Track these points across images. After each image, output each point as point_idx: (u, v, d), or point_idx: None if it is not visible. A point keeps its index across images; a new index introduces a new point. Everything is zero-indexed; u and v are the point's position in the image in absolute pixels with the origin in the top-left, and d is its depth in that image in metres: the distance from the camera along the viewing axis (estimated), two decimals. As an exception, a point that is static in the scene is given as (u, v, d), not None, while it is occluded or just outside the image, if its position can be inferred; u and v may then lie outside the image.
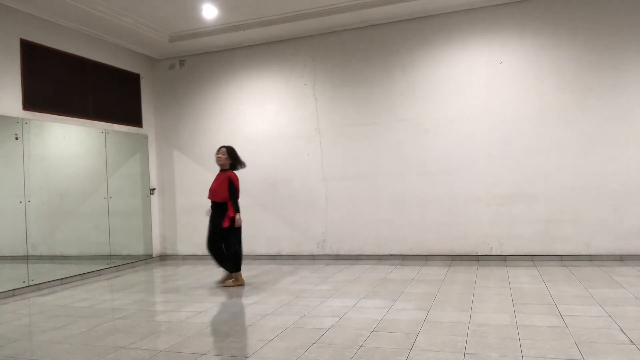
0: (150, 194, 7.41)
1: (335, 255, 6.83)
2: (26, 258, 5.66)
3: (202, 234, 7.54)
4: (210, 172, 7.55)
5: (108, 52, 6.95)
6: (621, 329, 3.22)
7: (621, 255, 5.72)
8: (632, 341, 2.99)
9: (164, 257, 7.77)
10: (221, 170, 5.50)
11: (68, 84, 6.31)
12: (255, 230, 7.26)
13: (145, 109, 7.70)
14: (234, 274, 5.38)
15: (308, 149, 6.99)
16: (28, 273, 5.63)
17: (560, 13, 5.94)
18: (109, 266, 6.74)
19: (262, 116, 7.26)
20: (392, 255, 6.57)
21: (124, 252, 7.06)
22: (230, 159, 5.45)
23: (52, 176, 6.12)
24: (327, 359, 2.94)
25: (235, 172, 5.45)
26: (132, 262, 7.10)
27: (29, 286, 5.59)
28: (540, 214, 5.98)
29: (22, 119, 5.65)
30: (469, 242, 6.25)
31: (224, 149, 5.48)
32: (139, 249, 7.35)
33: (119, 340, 3.53)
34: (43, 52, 5.96)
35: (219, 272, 6.29)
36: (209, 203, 7.53)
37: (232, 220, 5.26)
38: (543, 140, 5.97)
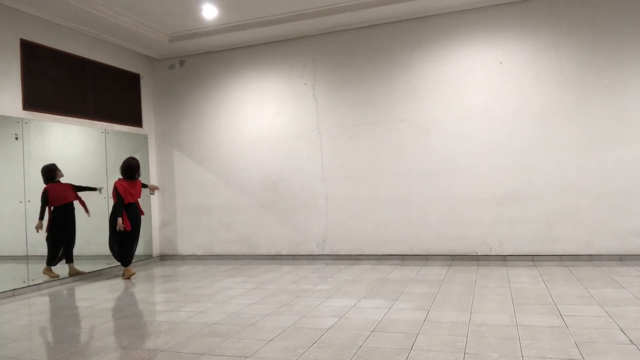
0: (150, 194, 7.40)
1: (335, 255, 6.83)
2: (26, 258, 5.66)
3: (202, 234, 7.60)
4: (211, 172, 7.57)
5: (108, 52, 6.95)
6: (621, 329, 3.22)
7: (621, 255, 5.71)
8: (632, 341, 2.99)
9: (164, 257, 7.78)
10: (136, 179, 6.35)
11: (68, 84, 6.31)
12: (255, 230, 7.26)
13: (145, 109, 7.70)
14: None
15: (308, 149, 6.99)
16: (28, 273, 5.63)
17: (560, 13, 5.94)
18: (109, 266, 6.74)
19: (262, 116, 7.26)
20: (392, 255, 6.56)
21: (124, 252, 7.04)
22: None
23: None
24: (327, 359, 2.94)
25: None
26: (132, 262, 7.08)
27: (29, 286, 5.59)
28: (540, 214, 5.98)
29: (22, 119, 5.64)
30: (469, 242, 6.25)
31: None
32: (139, 249, 7.32)
33: (119, 340, 3.53)
34: (43, 52, 5.96)
35: (220, 272, 6.30)
36: (208, 203, 7.58)
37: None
38: (543, 140, 5.97)
